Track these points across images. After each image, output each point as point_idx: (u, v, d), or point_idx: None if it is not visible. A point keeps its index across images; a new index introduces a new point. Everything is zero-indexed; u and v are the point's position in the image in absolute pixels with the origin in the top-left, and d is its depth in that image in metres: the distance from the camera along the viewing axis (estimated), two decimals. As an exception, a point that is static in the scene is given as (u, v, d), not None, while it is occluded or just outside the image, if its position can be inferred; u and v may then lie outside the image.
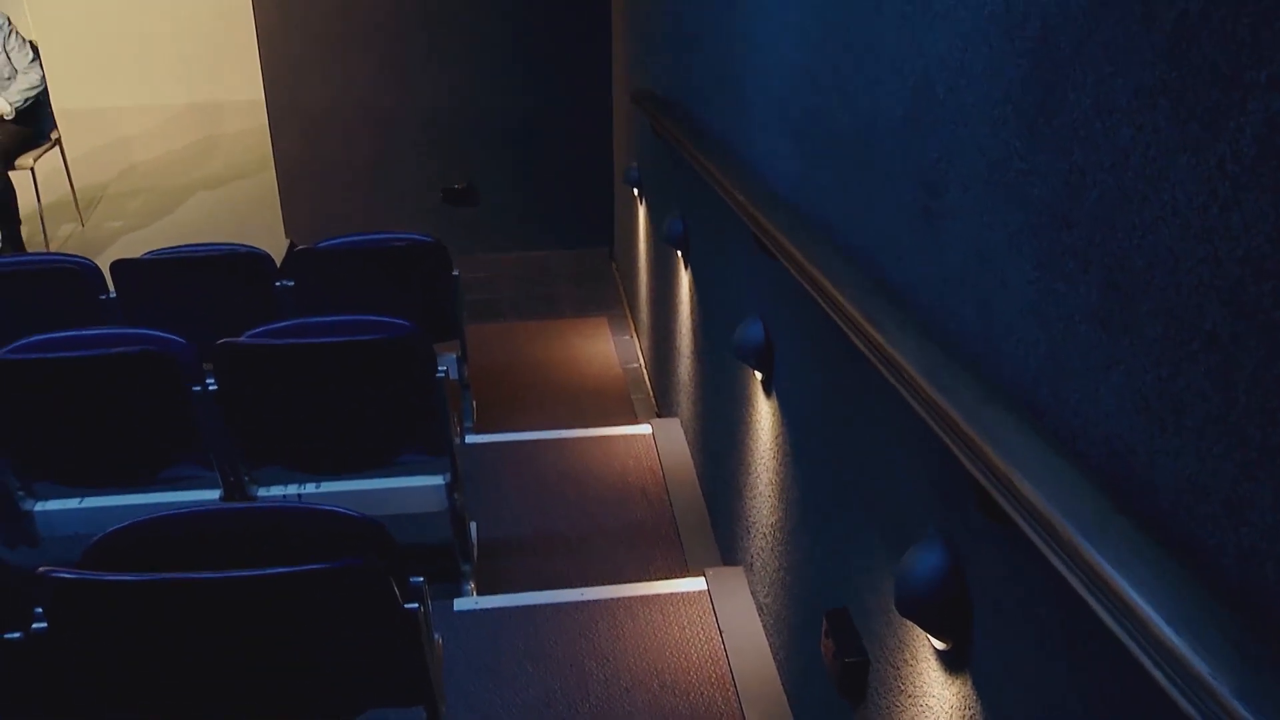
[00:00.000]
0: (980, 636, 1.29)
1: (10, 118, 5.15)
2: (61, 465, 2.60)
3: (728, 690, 2.39)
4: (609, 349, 4.83)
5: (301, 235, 5.73)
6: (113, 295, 3.18)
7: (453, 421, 2.67)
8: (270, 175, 5.91)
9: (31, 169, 5.30)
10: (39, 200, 5.48)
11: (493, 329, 5.04)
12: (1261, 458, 0.77)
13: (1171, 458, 0.88)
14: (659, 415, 4.11)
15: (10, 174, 5.15)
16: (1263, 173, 0.75)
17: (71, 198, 5.88)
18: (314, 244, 3.34)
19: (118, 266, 3.14)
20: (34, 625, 1.57)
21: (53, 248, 5.56)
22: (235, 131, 7.86)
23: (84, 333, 2.49)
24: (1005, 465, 1.04)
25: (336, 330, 2.51)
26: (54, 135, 5.52)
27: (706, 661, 2.47)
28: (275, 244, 5.61)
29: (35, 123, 5.35)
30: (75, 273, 3.14)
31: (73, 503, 2.64)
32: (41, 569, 1.52)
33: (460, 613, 2.63)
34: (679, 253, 3.44)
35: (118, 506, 2.63)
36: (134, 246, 5.44)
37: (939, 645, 1.40)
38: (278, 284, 3.23)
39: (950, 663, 1.38)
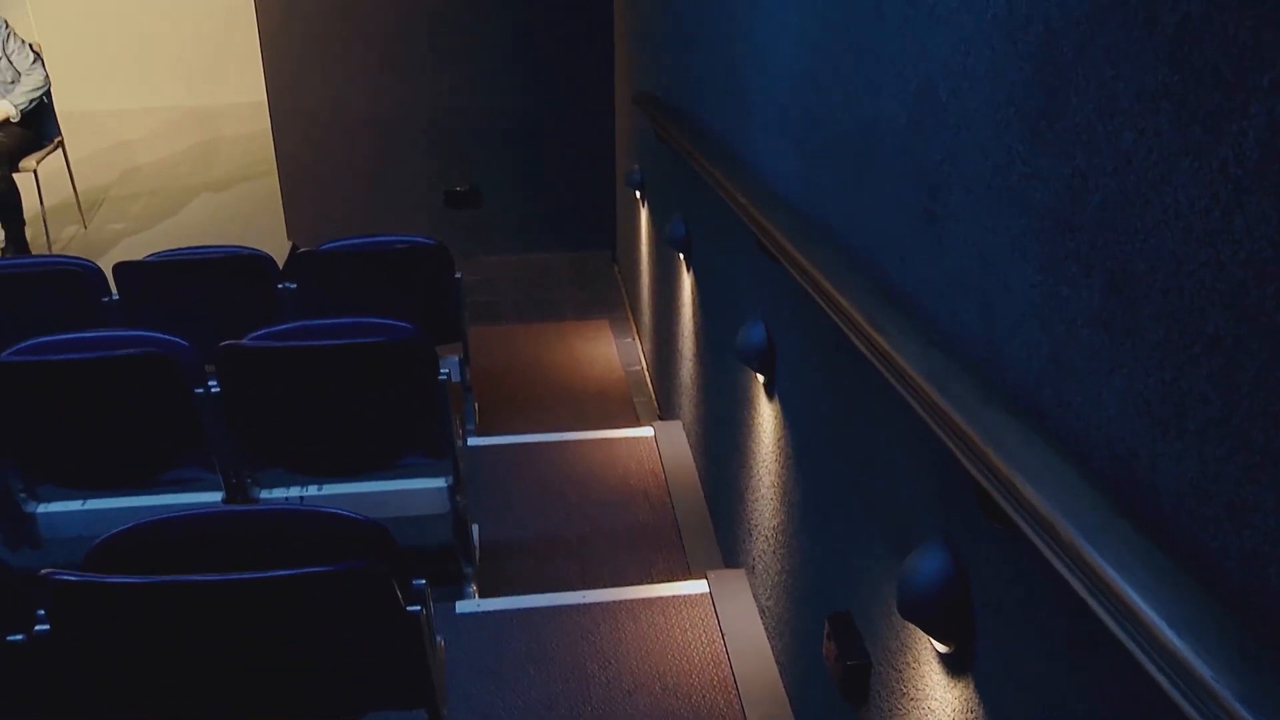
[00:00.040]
0: (982, 639, 1.29)
1: (16, 120, 5.16)
2: (64, 467, 2.60)
3: (730, 693, 2.39)
4: (611, 351, 4.83)
5: (304, 237, 5.73)
6: (115, 297, 3.18)
7: (455, 424, 2.67)
8: (272, 177, 5.92)
9: (34, 171, 5.31)
10: (41, 202, 5.49)
11: (495, 331, 5.04)
12: (1264, 461, 0.77)
13: (1174, 461, 0.88)
14: (661, 418, 4.11)
15: (14, 176, 5.16)
16: (1265, 176, 0.75)
17: (74, 200, 5.89)
18: (316, 246, 3.35)
19: (120, 269, 3.14)
20: (36, 627, 1.57)
21: (55, 250, 5.57)
22: (237, 134, 7.86)
23: (86, 335, 2.50)
24: (1007, 468, 1.04)
25: (339, 333, 2.51)
26: (57, 138, 5.53)
27: (708, 664, 2.47)
28: (277, 246, 5.61)
29: (39, 125, 5.36)
30: (78, 275, 3.14)
31: (75, 505, 2.64)
32: (44, 571, 1.52)
33: (462, 615, 2.63)
34: (681, 255, 3.45)
35: (120, 509, 2.63)
36: (136, 249, 5.45)
37: (941, 648, 1.40)
38: (280, 286, 3.23)
39: (953, 666, 1.38)
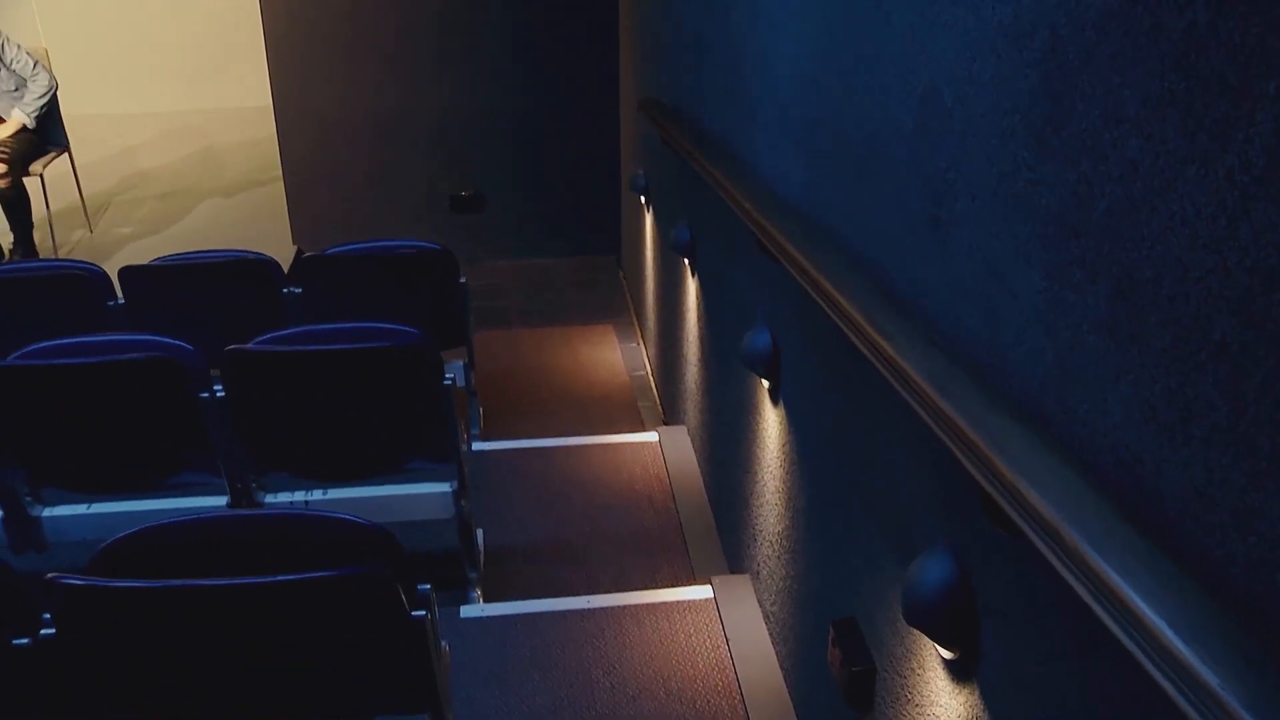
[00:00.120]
0: (987, 646, 1.29)
1: (32, 128, 5.20)
2: (69, 471, 2.60)
3: (734, 699, 2.39)
4: (616, 356, 4.83)
5: (309, 242, 5.74)
6: (121, 301, 3.19)
7: (460, 429, 2.67)
8: (278, 182, 5.93)
9: (41, 175, 5.33)
10: (48, 206, 5.51)
11: (500, 336, 5.05)
12: (1270, 468, 0.77)
13: (1179, 467, 0.88)
14: (666, 423, 4.11)
15: (23, 180, 5.20)
16: (1272, 183, 0.75)
17: (80, 204, 5.90)
18: (321, 251, 3.36)
19: (126, 273, 3.15)
20: (42, 631, 1.58)
21: (61, 254, 5.59)
22: (242, 139, 7.88)
23: (92, 339, 2.50)
24: (1012, 473, 1.04)
25: (344, 337, 2.52)
26: (65, 147, 5.55)
27: (713, 670, 2.47)
28: (283, 251, 5.63)
29: (46, 130, 5.38)
30: (84, 279, 3.15)
31: (80, 508, 2.64)
32: (50, 575, 1.53)
33: (467, 620, 2.63)
34: (686, 260, 3.45)
35: (125, 512, 2.63)
36: (142, 253, 5.47)
37: (946, 654, 1.40)
38: (285, 291, 3.23)
39: (957, 672, 1.38)
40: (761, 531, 2.53)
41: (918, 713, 1.52)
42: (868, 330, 1.46)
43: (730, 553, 2.98)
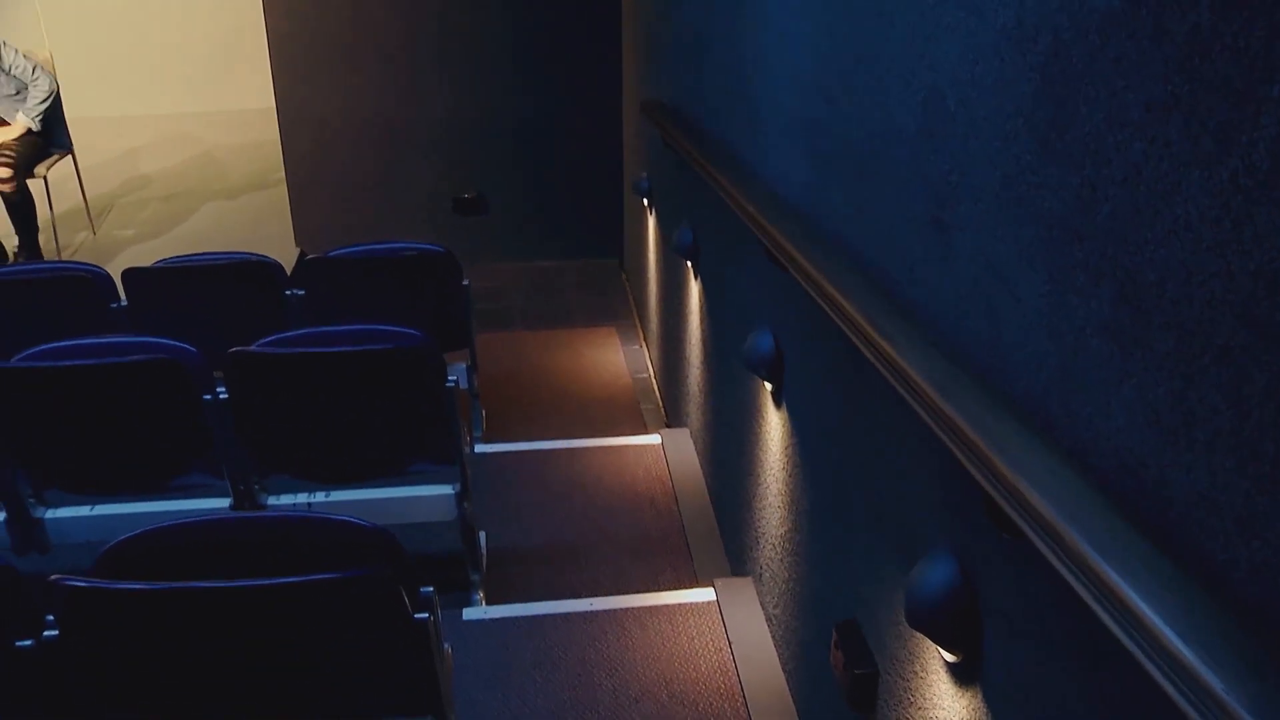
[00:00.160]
0: (990, 649, 1.28)
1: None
2: (72, 472, 2.61)
3: (736, 701, 2.39)
4: (618, 359, 4.83)
5: (312, 244, 5.75)
6: (124, 303, 3.19)
7: (462, 431, 2.67)
8: (281, 184, 5.93)
9: (44, 178, 5.34)
10: (51, 208, 5.51)
11: (502, 338, 5.05)
12: (1274, 472, 0.77)
13: (1183, 471, 0.88)
14: (668, 425, 4.11)
15: (27, 183, 5.22)
16: (1275, 187, 0.75)
17: (83, 206, 5.91)
18: (324, 253, 3.36)
19: (129, 275, 3.15)
20: (46, 633, 1.58)
21: (65, 256, 5.60)
22: (246, 141, 7.89)
23: (95, 341, 2.51)
24: (1015, 476, 1.04)
25: (347, 339, 2.52)
26: (69, 149, 5.56)
27: (715, 672, 2.47)
28: (286, 253, 5.64)
29: (50, 133, 5.39)
30: (87, 281, 3.16)
31: (83, 510, 2.64)
32: (53, 577, 1.53)
33: (469, 622, 2.63)
34: (689, 263, 3.45)
35: (128, 514, 2.63)
36: (145, 255, 5.47)
37: (949, 657, 1.40)
38: (288, 293, 3.24)
39: (960, 675, 1.38)
40: (764, 534, 2.53)
41: (920, 715, 1.52)
42: (870, 332, 1.46)
43: (733, 555, 2.98)
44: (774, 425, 2.39)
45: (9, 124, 5.21)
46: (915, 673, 1.54)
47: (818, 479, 2.07)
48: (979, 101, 1.23)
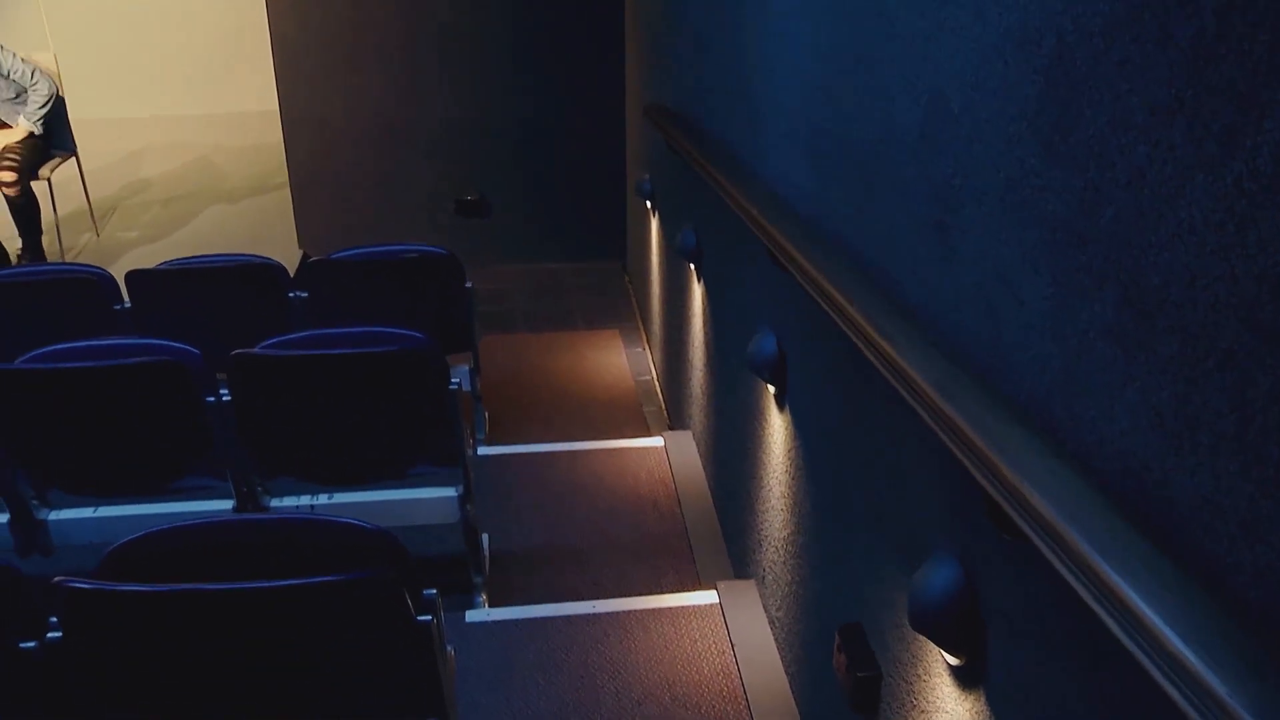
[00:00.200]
0: (993, 651, 1.28)
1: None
2: (75, 474, 2.61)
3: (739, 704, 2.39)
4: (621, 361, 4.83)
5: (315, 246, 5.75)
6: (127, 305, 3.20)
7: (465, 433, 2.68)
8: (284, 186, 5.94)
9: (48, 180, 5.35)
10: (55, 210, 5.52)
11: (505, 341, 5.05)
12: (1278, 476, 0.77)
13: (1187, 475, 0.88)
14: (671, 428, 4.11)
15: (30, 185, 5.23)
16: (1279, 191, 0.75)
17: (87, 208, 5.92)
18: (327, 255, 3.36)
19: (132, 277, 3.16)
20: (49, 635, 1.58)
21: (68, 258, 5.61)
22: (248, 144, 7.90)
23: (99, 343, 2.51)
24: (1017, 479, 1.04)
25: (350, 342, 2.52)
26: (72, 151, 5.57)
27: (718, 675, 2.47)
28: (289, 255, 5.64)
29: (53, 135, 5.41)
30: (90, 283, 3.16)
31: (86, 512, 2.65)
32: (56, 579, 1.53)
33: (472, 624, 2.63)
34: (691, 265, 3.45)
35: (131, 516, 2.64)
36: (148, 257, 5.49)
37: (952, 660, 1.40)
38: (291, 295, 3.24)
39: (963, 678, 1.38)
40: (767, 536, 2.53)
41: (923, 718, 1.52)
42: (873, 335, 1.46)
43: (735, 558, 2.98)
44: (776, 427, 2.39)
45: (11, 127, 5.23)
46: (918, 676, 1.54)
47: (820, 481, 2.07)
48: (983, 104, 1.23)
